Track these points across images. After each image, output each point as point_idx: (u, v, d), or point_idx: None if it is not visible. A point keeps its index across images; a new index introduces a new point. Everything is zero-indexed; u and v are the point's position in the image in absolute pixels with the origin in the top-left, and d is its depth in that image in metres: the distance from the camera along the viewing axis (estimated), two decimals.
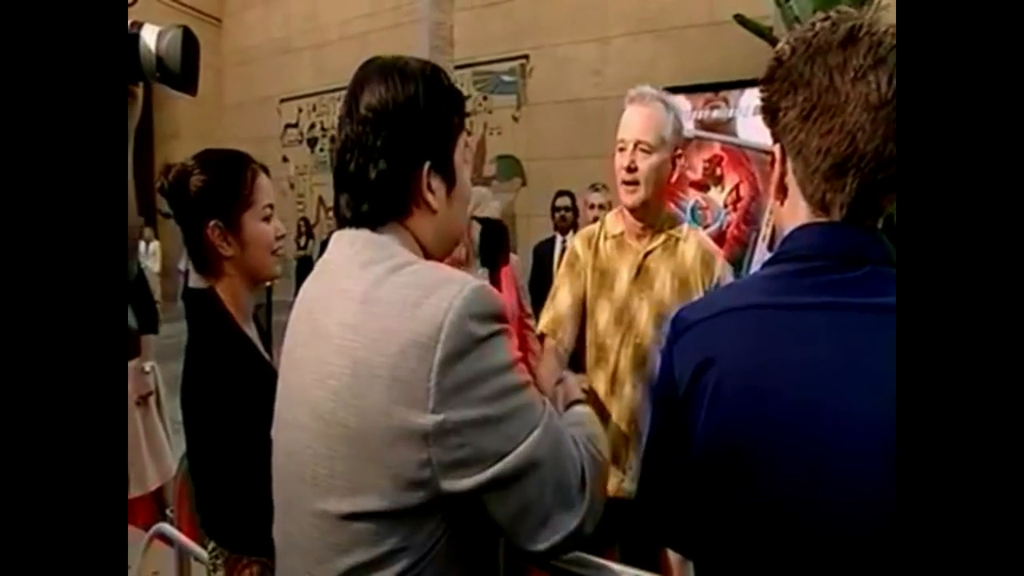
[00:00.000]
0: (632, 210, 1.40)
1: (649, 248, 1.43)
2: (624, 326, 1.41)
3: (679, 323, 0.65)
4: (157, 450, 1.91)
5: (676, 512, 0.68)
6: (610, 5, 4.20)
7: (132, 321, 1.87)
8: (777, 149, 0.63)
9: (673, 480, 0.66)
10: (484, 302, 0.62)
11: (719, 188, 3.33)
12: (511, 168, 5.24)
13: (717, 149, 3.30)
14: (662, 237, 1.44)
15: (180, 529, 1.39)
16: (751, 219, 3.30)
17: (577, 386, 0.84)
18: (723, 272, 1.47)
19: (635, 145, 1.35)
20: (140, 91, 1.06)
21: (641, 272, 1.42)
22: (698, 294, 1.42)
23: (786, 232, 0.63)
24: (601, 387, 1.37)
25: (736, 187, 3.31)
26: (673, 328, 0.66)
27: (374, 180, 0.67)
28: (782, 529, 0.55)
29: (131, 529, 1.60)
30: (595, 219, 3.31)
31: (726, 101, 3.29)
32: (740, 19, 3.19)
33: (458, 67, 3.95)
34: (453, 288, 0.61)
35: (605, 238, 1.46)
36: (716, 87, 3.30)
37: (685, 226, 1.50)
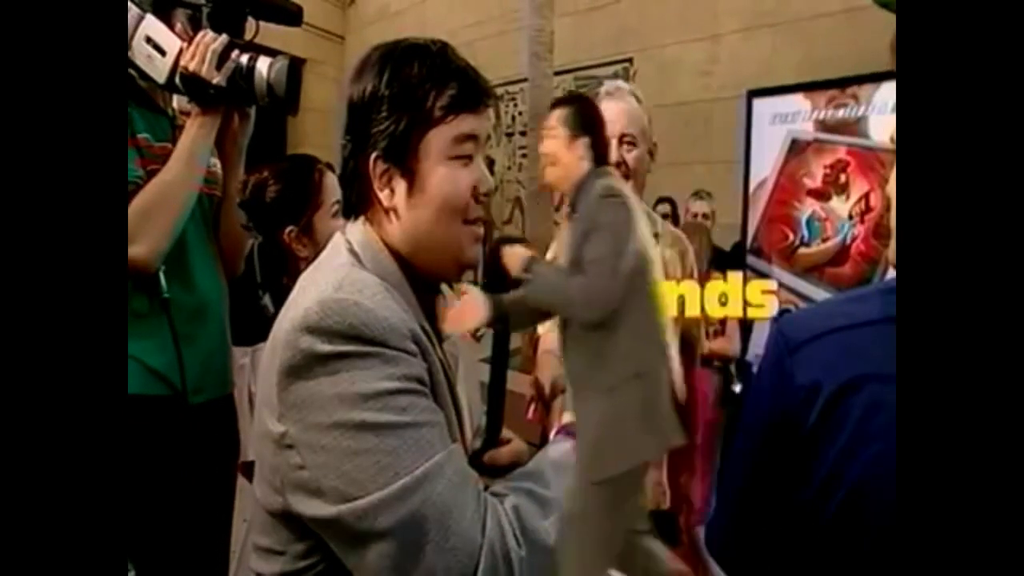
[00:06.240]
0: None
1: None
2: None
3: (796, 331, 0.52)
4: None
5: (778, 566, 0.57)
6: (721, 1, 3.90)
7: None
8: None
9: (779, 527, 0.55)
10: (329, 316, 0.56)
11: (843, 197, 2.94)
12: None
13: (842, 153, 2.92)
14: None
15: None
16: (884, 232, 2.87)
17: None
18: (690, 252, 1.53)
19: (620, 139, 1.36)
20: (252, 112, 1.18)
21: None
22: (674, 280, 1.45)
23: None
24: None
25: (865, 196, 2.90)
26: (783, 339, 0.52)
27: (341, 169, 0.68)
28: None
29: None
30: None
31: (855, 98, 2.88)
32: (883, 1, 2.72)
33: (558, 72, 3.87)
34: (312, 294, 0.59)
35: None
36: (843, 82, 2.90)
37: (658, 218, 1.53)
